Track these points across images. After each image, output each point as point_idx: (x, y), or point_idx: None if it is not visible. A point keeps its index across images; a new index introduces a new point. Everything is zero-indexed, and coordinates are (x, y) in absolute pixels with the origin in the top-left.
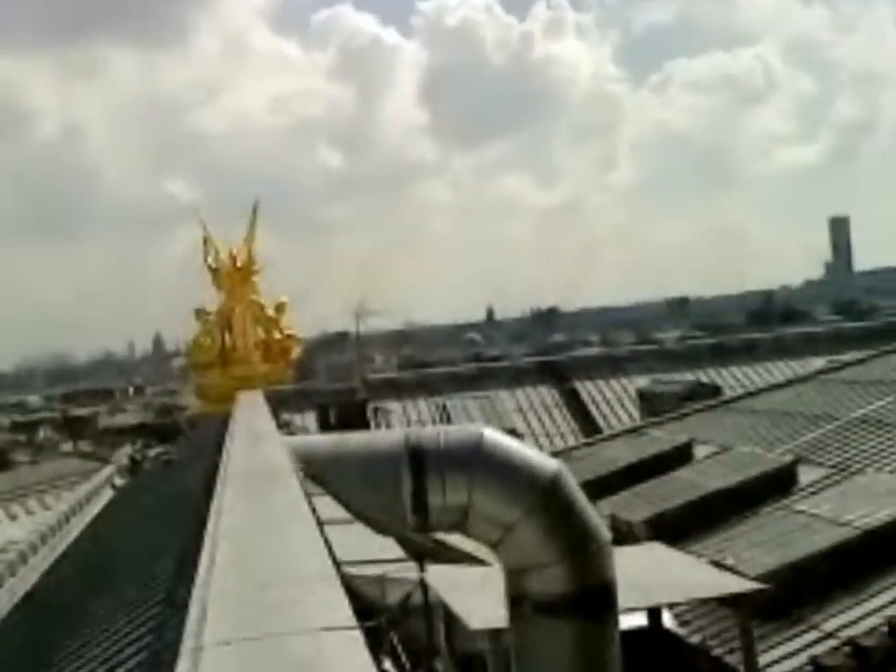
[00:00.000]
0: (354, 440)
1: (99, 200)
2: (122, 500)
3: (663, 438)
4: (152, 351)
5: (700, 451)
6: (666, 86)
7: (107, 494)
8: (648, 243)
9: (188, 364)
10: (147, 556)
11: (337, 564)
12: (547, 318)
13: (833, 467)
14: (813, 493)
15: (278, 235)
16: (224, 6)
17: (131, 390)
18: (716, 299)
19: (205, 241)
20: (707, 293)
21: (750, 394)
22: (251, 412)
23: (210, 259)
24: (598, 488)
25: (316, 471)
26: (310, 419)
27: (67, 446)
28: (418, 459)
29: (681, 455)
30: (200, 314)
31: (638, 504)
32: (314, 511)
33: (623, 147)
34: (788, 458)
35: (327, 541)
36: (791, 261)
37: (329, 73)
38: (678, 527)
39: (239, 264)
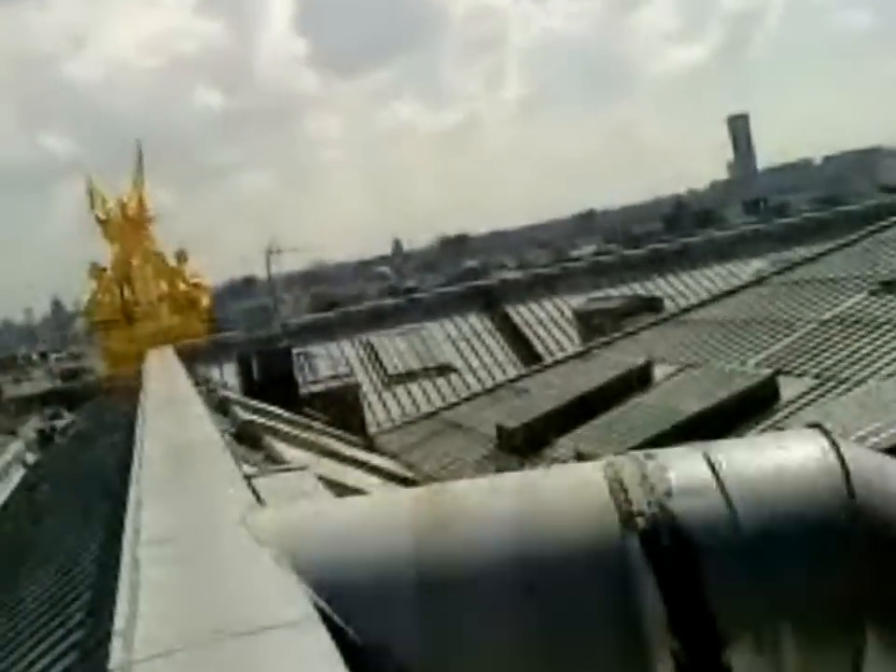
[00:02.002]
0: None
1: None
2: (32, 487)
3: (615, 360)
4: (51, 315)
5: (660, 371)
6: None
7: (18, 473)
8: (548, 157)
9: (89, 325)
10: (58, 577)
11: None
12: (456, 245)
13: (818, 377)
14: (800, 409)
15: (167, 183)
16: None
17: (34, 356)
18: (624, 209)
19: (91, 191)
20: (614, 204)
21: (701, 304)
22: (164, 371)
23: (98, 210)
24: (556, 421)
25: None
26: (229, 372)
27: None
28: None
29: (641, 378)
30: (94, 269)
31: (607, 437)
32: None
33: (511, 60)
34: (765, 371)
35: None
36: (695, 164)
37: (198, 7)
38: None
39: (130, 213)
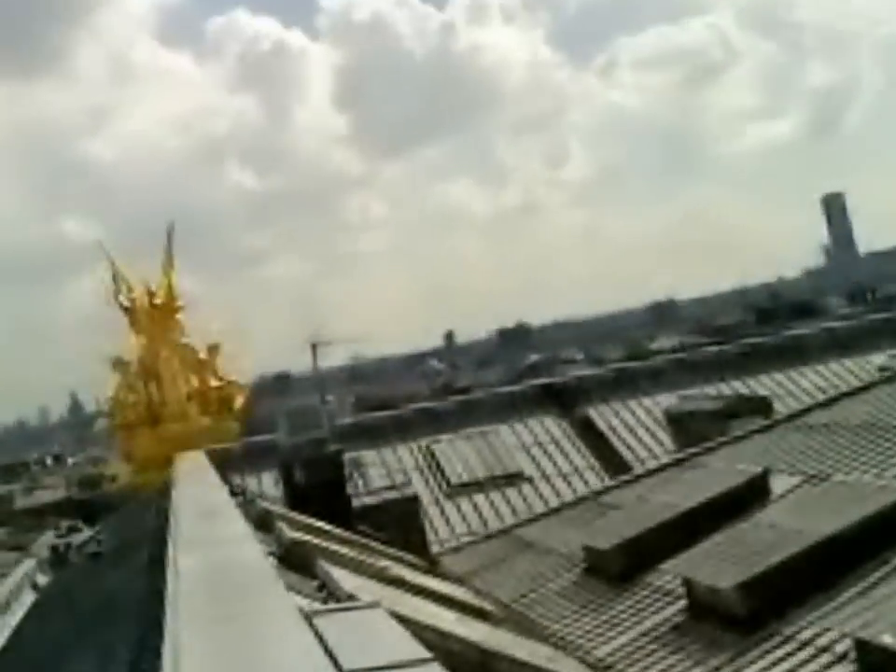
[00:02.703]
0: None
1: None
2: (42, 615)
3: (722, 469)
4: (69, 415)
5: (778, 483)
6: (612, 67)
7: (28, 597)
8: (616, 242)
9: (111, 426)
10: None
11: None
12: (516, 337)
13: None
14: None
15: (195, 271)
16: (104, 22)
17: (49, 461)
18: (705, 299)
19: (114, 277)
20: (694, 293)
21: (820, 404)
22: (195, 478)
23: (122, 298)
24: (656, 543)
25: None
26: (269, 481)
27: None
28: None
29: (757, 491)
30: (118, 364)
31: (721, 563)
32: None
33: (573, 137)
34: None
35: None
36: (784, 249)
37: (231, 85)
38: (785, 592)
39: (158, 301)
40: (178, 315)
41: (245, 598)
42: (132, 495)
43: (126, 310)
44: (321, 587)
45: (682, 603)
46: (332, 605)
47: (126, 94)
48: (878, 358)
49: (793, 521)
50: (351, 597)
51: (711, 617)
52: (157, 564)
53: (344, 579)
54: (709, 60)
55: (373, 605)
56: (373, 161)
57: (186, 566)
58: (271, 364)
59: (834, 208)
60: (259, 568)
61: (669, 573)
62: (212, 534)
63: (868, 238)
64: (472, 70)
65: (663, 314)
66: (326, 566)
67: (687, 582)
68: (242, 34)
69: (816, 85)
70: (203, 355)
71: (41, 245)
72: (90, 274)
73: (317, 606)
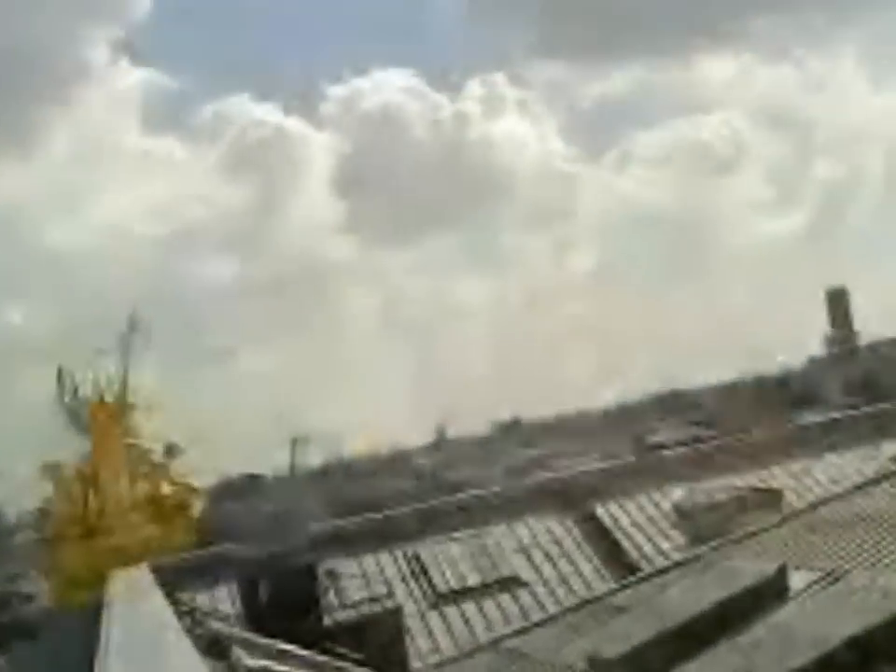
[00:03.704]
0: None
1: None
2: None
3: (738, 568)
4: None
5: (797, 580)
6: (625, 161)
7: None
8: (620, 333)
9: (39, 539)
10: None
11: None
12: (513, 431)
13: None
14: None
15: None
16: (86, 105)
17: None
18: (710, 388)
19: (59, 373)
20: (698, 383)
21: (839, 496)
22: (133, 598)
23: (67, 397)
24: (668, 649)
25: None
26: (224, 597)
27: None
28: None
29: (774, 590)
30: (51, 470)
31: (741, 670)
32: None
33: (582, 230)
34: None
35: None
36: (788, 340)
37: (222, 172)
38: None
39: (108, 399)
40: (133, 414)
41: None
42: (52, 618)
43: (71, 411)
44: None
45: None
46: None
47: (102, 181)
48: (889, 448)
49: (812, 623)
50: None
51: None
52: None
53: None
54: (721, 155)
55: None
56: (367, 250)
57: None
58: (242, 465)
59: (837, 303)
60: None
61: None
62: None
63: (870, 330)
64: (482, 162)
65: (667, 404)
66: None
67: None
68: (237, 120)
69: (823, 180)
70: (157, 457)
71: None
72: (32, 371)
73: None
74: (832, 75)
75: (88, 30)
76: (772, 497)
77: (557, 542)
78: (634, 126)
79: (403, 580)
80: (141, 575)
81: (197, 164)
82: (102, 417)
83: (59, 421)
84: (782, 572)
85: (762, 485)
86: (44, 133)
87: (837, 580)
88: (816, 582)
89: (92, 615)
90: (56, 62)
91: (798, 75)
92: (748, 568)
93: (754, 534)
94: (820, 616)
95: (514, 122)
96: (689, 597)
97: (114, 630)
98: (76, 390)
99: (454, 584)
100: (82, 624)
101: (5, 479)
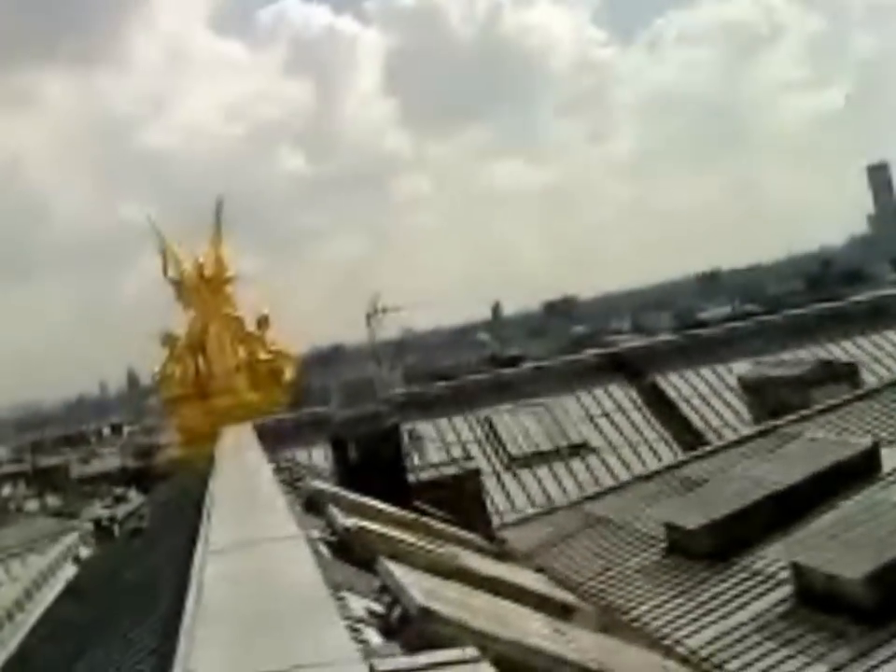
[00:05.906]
0: None
1: (52, 236)
2: (77, 593)
3: (825, 441)
4: (127, 389)
5: (890, 458)
6: (658, 44)
7: (69, 571)
8: (661, 215)
9: (161, 399)
10: None
11: None
12: (563, 309)
13: None
14: None
15: (249, 250)
16: (160, 13)
17: (106, 431)
18: (752, 268)
19: (163, 253)
20: (740, 263)
21: None
22: (239, 454)
23: (172, 273)
24: (752, 523)
25: None
26: (319, 456)
27: (34, 504)
28: None
29: (866, 466)
30: (166, 338)
31: (837, 545)
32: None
33: (619, 114)
34: None
35: None
36: (830, 218)
37: (283, 71)
38: None
39: (207, 274)
40: (227, 288)
41: (284, 636)
42: (180, 466)
43: (176, 284)
44: (383, 588)
45: (787, 589)
46: (413, 659)
47: (182, 83)
48: None
49: None
50: (425, 613)
51: (828, 607)
52: (188, 552)
53: (412, 585)
54: (755, 33)
55: (475, 659)
56: (421, 141)
57: (213, 567)
58: (324, 337)
59: (879, 178)
60: (305, 583)
61: (769, 556)
62: (249, 520)
63: None
64: (519, 50)
65: (710, 284)
66: (388, 564)
67: (796, 567)
68: (293, 21)
69: (861, 55)
70: (252, 327)
71: (105, 229)
72: (146, 257)
73: (390, 662)
74: None
75: None
76: (846, 371)
77: (623, 411)
78: (667, 6)
79: (478, 444)
80: (246, 433)
81: (260, 65)
82: (203, 290)
83: (167, 295)
84: (875, 447)
85: (832, 359)
86: (128, 45)
87: None
88: None
89: (209, 467)
90: None
91: None
92: (837, 442)
93: (834, 408)
94: None
95: (547, 10)
96: (771, 471)
97: (221, 483)
98: (178, 264)
99: (525, 449)
100: (201, 474)
101: (134, 347)
